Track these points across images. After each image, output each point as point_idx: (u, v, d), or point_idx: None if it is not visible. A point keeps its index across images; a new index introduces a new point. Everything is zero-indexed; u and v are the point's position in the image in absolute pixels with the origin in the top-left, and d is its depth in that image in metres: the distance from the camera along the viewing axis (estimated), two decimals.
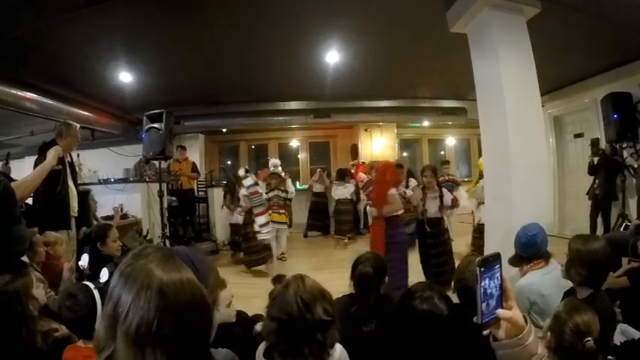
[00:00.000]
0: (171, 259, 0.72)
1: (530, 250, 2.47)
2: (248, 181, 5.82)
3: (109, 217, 5.74)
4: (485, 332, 0.89)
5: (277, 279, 2.62)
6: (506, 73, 3.53)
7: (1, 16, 3.50)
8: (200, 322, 0.71)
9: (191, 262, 0.75)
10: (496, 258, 0.87)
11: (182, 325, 0.67)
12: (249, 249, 5.84)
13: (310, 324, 1.47)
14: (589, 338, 1.45)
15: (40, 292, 2.04)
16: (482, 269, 0.84)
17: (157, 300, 0.66)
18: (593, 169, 5.82)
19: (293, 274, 1.63)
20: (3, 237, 1.93)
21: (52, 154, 2.76)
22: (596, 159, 5.81)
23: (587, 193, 5.93)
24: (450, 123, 9.77)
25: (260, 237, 5.61)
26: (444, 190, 4.64)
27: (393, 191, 4.32)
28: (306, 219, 8.87)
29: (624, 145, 5.48)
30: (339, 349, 1.60)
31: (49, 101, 5.41)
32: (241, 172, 5.95)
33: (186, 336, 0.68)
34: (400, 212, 4.41)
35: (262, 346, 1.59)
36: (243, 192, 5.78)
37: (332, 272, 5.34)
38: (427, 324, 1.51)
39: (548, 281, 2.34)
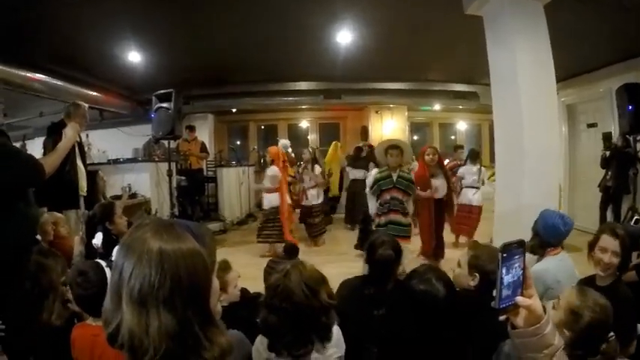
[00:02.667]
0: (169, 226, 0.76)
1: (561, 238, 2.47)
2: None
3: (118, 197, 5.79)
4: (502, 317, 0.89)
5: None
6: (521, 59, 3.46)
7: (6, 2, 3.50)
8: (200, 281, 0.74)
9: (189, 229, 0.78)
10: (520, 245, 0.87)
11: (183, 283, 0.70)
12: None
13: (317, 309, 1.46)
14: None
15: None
16: (505, 255, 0.84)
17: (157, 261, 0.69)
18: (605, 162, 5.73)
19: (292, 262, 1.59)
20: (26, 216, 1.96)
21: (71, 132, 2.66)
22: (608, 152, 5.71)
23: (599, 185, 5.85)
24: (461, 107, 9.65)
25: None
26: None
27: None
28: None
29: (638, 138, 5.36)
30: (335, 331, 1.58)
31: (58, 82, 5.42)
32: None
33: (188, 294, 0.71)
34: None
35: (261, 340, 1.56)
36: None
37: (338, 255, 5.40)
38: (424, 304, 1.51)
39: (562, 268, 2.36)
